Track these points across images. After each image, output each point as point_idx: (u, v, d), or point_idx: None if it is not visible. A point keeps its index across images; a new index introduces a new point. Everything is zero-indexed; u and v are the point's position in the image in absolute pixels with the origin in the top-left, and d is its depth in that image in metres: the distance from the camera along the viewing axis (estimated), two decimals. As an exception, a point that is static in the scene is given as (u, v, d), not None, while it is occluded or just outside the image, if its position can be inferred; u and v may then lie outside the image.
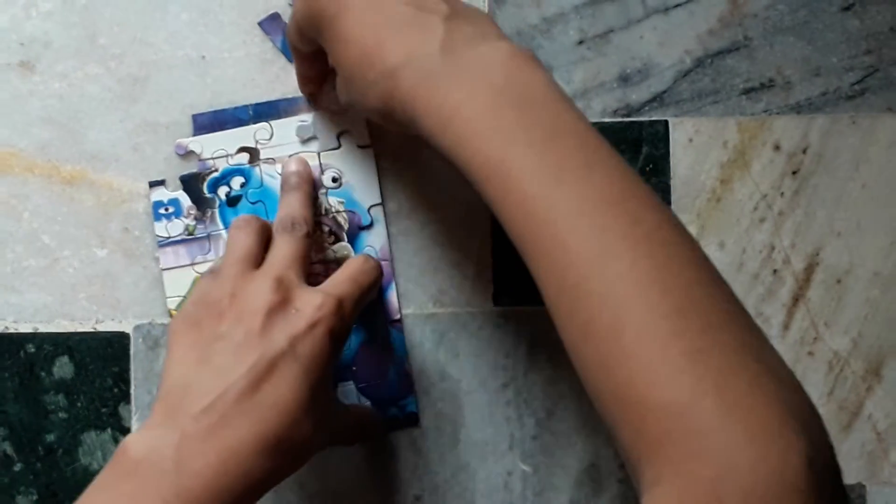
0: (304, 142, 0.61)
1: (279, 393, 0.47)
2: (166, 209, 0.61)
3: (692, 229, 0.62)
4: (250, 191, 0.61)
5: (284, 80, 0.62)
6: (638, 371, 0.38)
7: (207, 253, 0.61)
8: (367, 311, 0.61)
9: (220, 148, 0.61)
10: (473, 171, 0.44)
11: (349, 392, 0.61)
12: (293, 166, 0.59)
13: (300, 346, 0.48)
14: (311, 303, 0.50)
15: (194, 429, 0.45)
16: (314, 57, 0.54)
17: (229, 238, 0.54)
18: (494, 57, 0.45)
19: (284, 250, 0.53)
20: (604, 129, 0.62)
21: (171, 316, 0.61)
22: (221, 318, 0.50)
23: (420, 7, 0.47)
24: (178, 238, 0.61)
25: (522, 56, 0.45)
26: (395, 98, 0.46)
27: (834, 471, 0.38)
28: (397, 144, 0.62)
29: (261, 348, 0.48)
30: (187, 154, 0.61)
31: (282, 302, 0.49)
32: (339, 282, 0.53)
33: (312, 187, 0.59)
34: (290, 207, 0.56)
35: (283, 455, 0.47)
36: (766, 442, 0.36)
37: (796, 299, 0.62)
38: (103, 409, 0.61)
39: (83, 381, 0.61)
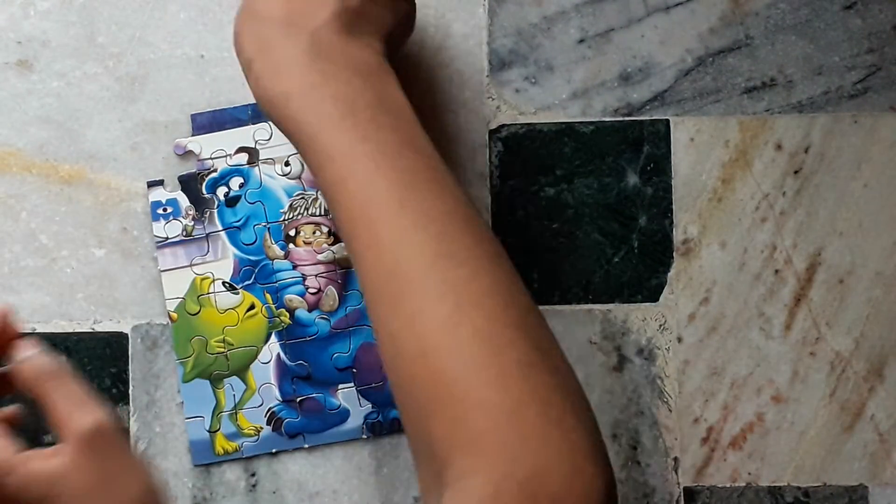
0: (304, 141, 0.61)
1: None
2: (164, 209, 0.61)
3: (693, 229, 0.62)
4: (249, 191, 0.61)
5: (283, 80, 0.61)
6: (469, 369, 0.40)
7: (206, 254, 0.61)
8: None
9: (218, 148, 0.61)
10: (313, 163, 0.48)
11: (349, 394, 0.61)
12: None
13: None
14: None
15: None
16: None
17: None
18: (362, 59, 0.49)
19: None
20: (605, 129, 0.62)
21: (169, 318, 0.61)
22: None
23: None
24: (177, 239, 0.61)
25: (381, 73, 0.49)
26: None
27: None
28: (397, 144, 0.62)
29: None
30: (186, 154, 0.61)
31: None
32: None
33: None
34: None
35: None
36: (581, 463, 0.39)
37: (798, 299, 0.62)
38: (102, 410, 0.61)
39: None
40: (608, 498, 0.40)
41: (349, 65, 0.47)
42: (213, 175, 0.61)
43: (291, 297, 0.61)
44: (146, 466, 0.47)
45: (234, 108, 0.61)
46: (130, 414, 0.61)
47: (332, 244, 0.61)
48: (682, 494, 0.62)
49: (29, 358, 0.47)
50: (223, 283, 0.61)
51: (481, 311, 0.42)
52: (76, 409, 0.45)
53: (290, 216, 0.61)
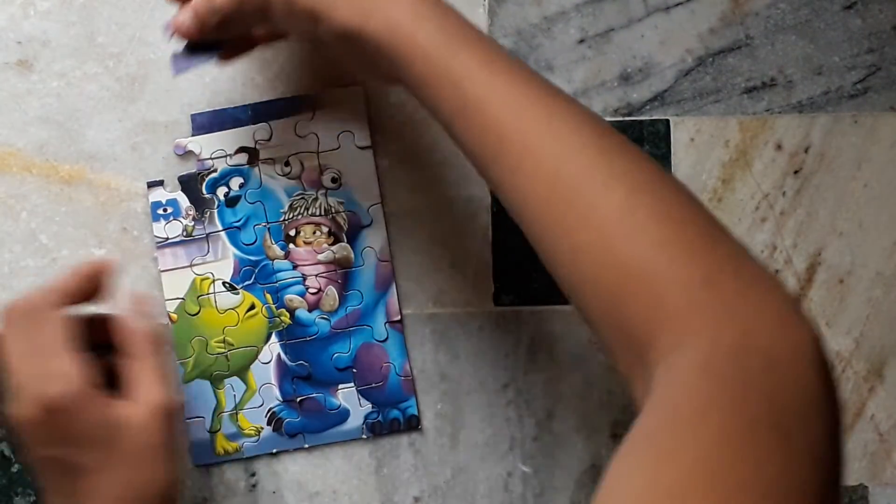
0: (304, 142, 0.61)
1: None
2: (164, 210, 0.61)
3: (693, 229, 0.62)
4: (249, 191, 0.61)
5: (284, 80, 0.61)
6: (654, 249, 0.40)
7: (206, 254, 0.61)
8: (368, 313, 0.61)
9: (218, 148, 0.61)
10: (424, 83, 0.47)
11: (349, 394, 0.61)
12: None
13: None
14: None
15: None
16: None
17: None
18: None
19: None
20: (605, 129, 0.62)
21: (169, 318, 0.61)
22: None
23: None
24: (177, 239, 0.61)
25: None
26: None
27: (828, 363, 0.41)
28: (397, 144, 0.62)
29: None
30: (186, 154, 0.61)
31: None
32: None
33: None
34: None
35: None
36: (785, 315, 0.39)
37: (798, 299, 0.62)
38: (102, 410, 0.61)
39: (82, 381, 0.61)
40: (817, 345, 0.39)
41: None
42: (213, 175, 0.61)
43: (292, 297, 0.61)
44: (180, 460, 0.52)
45: (234, 108, 0.61)
46: (130, 414, 0.61)
47: (332, 244, 0.61)
48: (682, 494, 0.62)
49: (144, 316, 0.53)
50: (223, 283, 0.61)
51: (653, 194, 0.42)
52: (161, 381, 0.51)
53: (290, 216, 0.61)
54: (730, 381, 0.37)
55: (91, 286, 0.53)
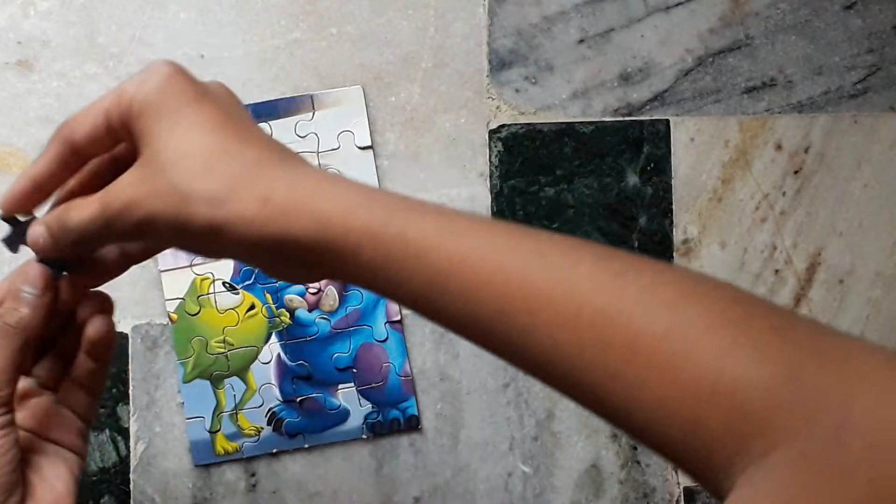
0: (304, 142, 0.61)
1: None
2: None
3: (693, 229, 0.62)
4: (249, 191, 0.61)
5: (284, 80, 0.61)
6: (721, 360, 0.37)
7: (206, 253, 0.61)
8: (368, 313, 0.61)
9: (218, 147, 0.61)
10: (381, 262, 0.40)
11: (349, 394, 0.61)
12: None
13: None
14: None
15: None
16: (99, 151, 0.43)
17: None
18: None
19: None
20: (605, 129, 0.62)
21: (169, 318, 0.61)
22: None
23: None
24: (177, 238, 0.61)
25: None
26: (255, 187, 0.40)
27: None
28: (397, 144, 0.62)
29: None
30: (186, 154, 0.61)
31: None
32: None
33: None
34: None
35: None
36: (877, 385, 0.35)
37: (798, 299, 0.62)
38: (102, 410, 0.61)
39: (82, 381, 0.61)
40: None
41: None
42: (214, 175, 0.61)
43: (291, 297, 0.61)
44: None
45: (235, 108, 0.61)
46: (130, 414, 0.61)
47: (333, 244, 0.61)
48: (681, 494, 0.62)
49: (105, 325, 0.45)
50: (223, 283, 0.61)
51: (696, 301, 0.38)
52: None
53: (291, 216, 0.61)
54: (825, 470, 0.34)
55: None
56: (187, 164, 0.40)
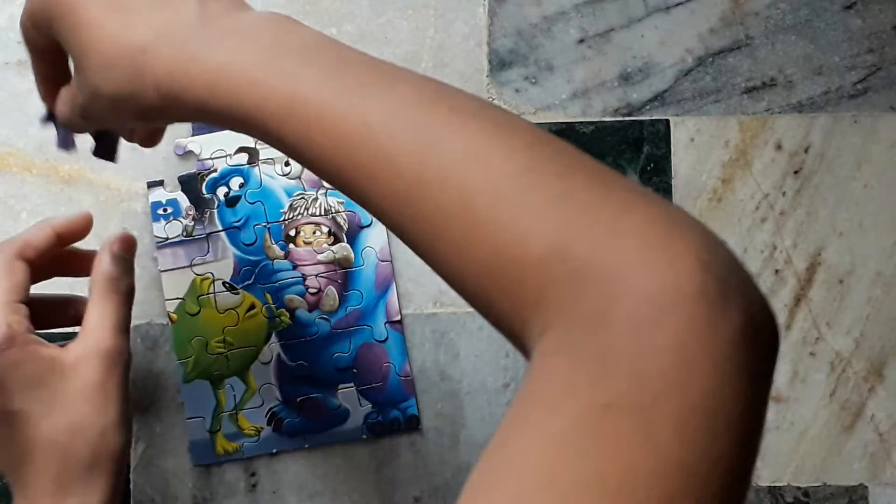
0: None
1: None
2: (164, 210, 0.61)
3: (693, 229, 0.62)
4: (249, 191, 0.61)
5: (284, 80, 0.61)
6: (502, 234, 0.35)
7: (206, 254, 0.61)
8: (368, 313, 0.61)
9: (218, 148, 0.61)
10: (263, 120, 0.39)
11: (349, 394, 0.61)
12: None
13: None
14: None
15: None
16: (54, 52, 0.47)
17: None
18: (257, 20, 0.41)
19: None
20: (605, 129, 0.62)
21: (169, 318, 0.61)
22: None
23: None
24: (177, 239, 0.61)
25: (285, 17, 0.42)
26: (147, 76, 0.41)
27: (736, 272, 0.33)
28: (397, 144, 0.62)
29: None
30: (186, 154, 0.61)
31: None
32: None
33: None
34: None
35: None
36: (648, 259, 0.32)
37: (798, 299, 0.62)
38: (102, 410, 0.61)
39: (82, 381, 0.61)
40: (705, 272, 0.32)
41: (245, 23, 0.42)
42: (213, 175, 0.61)
43: (292, 297, 0.61)
44: (130, 410, 0.51)
45: (235, 108, 0.61)
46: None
47: (333, 244, 0.61)
48: (682, 494, 0.62)
49: (117, 258, 0.52)
50: (223, 283, 0.61)
51: (498, 157, 0.37)
52: (104, 324, 0.50)
53: (291, 216, 0.61)
54: (588, 359, 0.31)
55: (59, 242, 0.52)
56: (94, 70, 0.42)
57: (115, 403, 0.50)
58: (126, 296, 0.52)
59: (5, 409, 0.48)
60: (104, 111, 0.44)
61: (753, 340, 0.32)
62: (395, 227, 0.39)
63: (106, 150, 0.51)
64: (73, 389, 0.49)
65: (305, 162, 0.40)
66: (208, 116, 0.41)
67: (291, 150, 0.40)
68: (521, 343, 0.36)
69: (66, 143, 0.51)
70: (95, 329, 0.50)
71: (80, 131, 0.49)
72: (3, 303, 0.49)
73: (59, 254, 0.53)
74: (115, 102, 0.43)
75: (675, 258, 0.32)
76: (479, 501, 0.32)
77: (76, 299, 0.55)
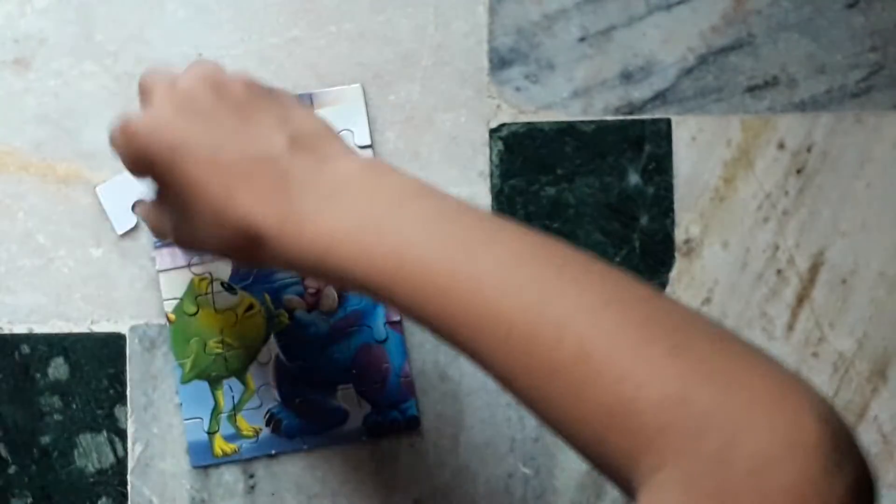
0: (303, 140, 0.61)
1: None
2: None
3: (695, 229, 0.62)
4: (248, 190, 0.61)
5: (282, 79, 0.61)
6: (620, 383, 0.37)
7: (204, 254, 0.60)
8: (368, 313, 0.61)
9: (217, 146, 0.61)
10: (375, 286, 0.42)
11: (349, 395, 0.61)
12: None
13: None
14: None
15: None
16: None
17: None
18: (351, 172, 0.44)
19: None
20: (606, 128, 0.62)
21: (167, 318, 0.60)
22: None
23: (259, 150, 0.45)
24: (175, 238, 0.60)
25: (377, 164, 0.45)
26: (254, 240, 0.44)
27: (847, 432, 0.36)
28: (397, 144, 0.61)
29: None
30: (184, 153, 0.61)
31: None
32: None
33: None
34: None
35: None
36: (770, 410, 0.35)
37: (801, 300, 0.62)
38: (99, 411, 0.61)
39: (78, 382, 0.61)
40: (823, 424, 0.34)
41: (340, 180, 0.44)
42: (212, 174, 0.61)
43: (290, 297, 0.61)
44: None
45: (233, 106, 0.61)
46: (128, 415, 0.61)
47: (332, 244, 0.61)
48: (683, 496, 0.61)
49: None
50: (222, 283, 0.61)
51: (614, 311, 0.39)
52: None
53: (289, 216, 0.61)
54: (708, 491, 0.34)
55: None
56: (199, 228, 0.46)
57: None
58: None
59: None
60: (203, 250, 0.50)
61: (863, 496, 0.35)
62: (503, 379, 0.40)
63: None
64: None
65: (419, 321, 0.42)
66: (319, 278, 0.46)
67: (404, 310, 0.42)
68: (625, 481, 0.37)
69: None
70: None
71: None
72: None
73: None
74: (222, 253, 0.47)
75: (795, 410, 0.34)
76: None
77: None
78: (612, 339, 0.38)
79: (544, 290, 0.39)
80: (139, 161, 0.46)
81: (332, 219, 0.43)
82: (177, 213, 0.47)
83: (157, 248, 0.60)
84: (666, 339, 0.37)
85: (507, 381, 0.40)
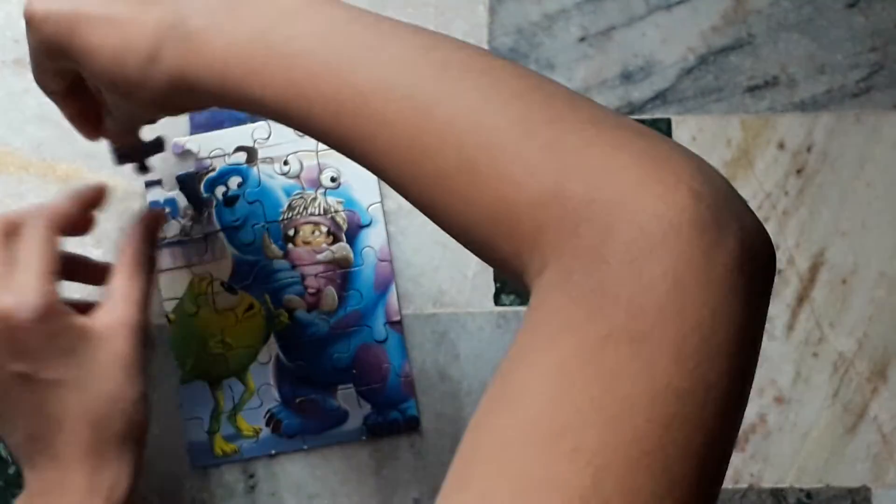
0: (302, 141, 0.61)
1: None
2: (163, 209, 0.60)
3: (695, 229, 0.62)
4: (248, 190, 0.61)
5: (282, 78, 0.61)
6: (501, 184, 0.36)
7: (204, 254, 0.60)
8: (368, 313, 0.61)
9: (217, 147, 0.61)
10: (271, 106, 0.42)
11: (349, 395, 0.61)
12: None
13: None
14: None
15: None
16: (73, 91, 0.50)
17: None
18: None
19: None
20: (606, 128, 0.62)
21: (167, 318, 0.60)
22: None
23: None
24: (175, 239, 0.60)
25: None
26: (156, 66, 0.43)
27: (727, 199, 0.34)
28: (397, 143, 0.61)
29: None
30: (184, 153, 0.61)
31: None
32: None
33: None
34: None
35: None
36: (640, 193, 0.33)
37: (801, 299, 0.62)
38: (99, 411, 0.61)
39: (79, 382, 0.61)
40: (697, 202, 0.33)
41: None
42: (212, 174, 0.61)
43: (290, 297, 0.61)
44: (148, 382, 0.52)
45: (233, 106, 0.61)
46: (128, 415, 0.61)
47: (332, 244, 0.61)
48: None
49: (145, 235, 0.54)
50: (222, 283, 0.61)
51: (504, 102, 0.38)
52: (126, 300, 0.51)
53: (289, 216, 0.61)
54: (586, 294, 0.33)
55: (86, 209, 0.54)
56: (105, 67, 0.45)
57: (144, 376, 0.51)
58: (151, 275, 0.53)
59: (39, 378, 0.48)
60: (121, 104, 0.47)
61: (748, 266, 0.33)
62: (396, 186, 0.41)
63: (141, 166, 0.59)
64: (105, 359, 0.50)
65: (321, 140, 0.42)
66: (220, 102, 0.43)
67: (303, 130, 0.42)
68: (523, 283, 0.37)
69: (143, 170, 0.59)
70: (123, 302, 0.51)
71: (131, 143, 0.55)
72: (41, 273, 0.49)
73: (73, 259, 0.55)
74: (156, 101, 0.45)
75: (667, 190, 0.33)
76: (483, 431, 0.33)
77: (94, 263, 0.57)
78: (491, 140, 0.37)
79: (425, 97, 0.38)
80: (44, 42, 0.46)
81: (227, 33, 0.42)
82: (100, 93, 0.48)
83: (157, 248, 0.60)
84: (542, 134, 0.36)
85: (401, 188, 0.40)
